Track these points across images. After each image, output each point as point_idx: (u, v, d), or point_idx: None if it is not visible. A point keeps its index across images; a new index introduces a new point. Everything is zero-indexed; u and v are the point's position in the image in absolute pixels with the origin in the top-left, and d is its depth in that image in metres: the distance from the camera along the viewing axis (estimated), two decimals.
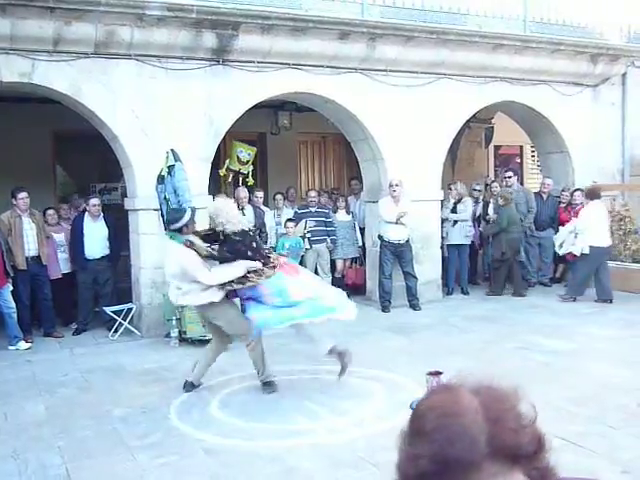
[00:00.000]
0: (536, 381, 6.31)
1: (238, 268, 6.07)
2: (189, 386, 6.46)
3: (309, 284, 6.38)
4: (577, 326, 8.66)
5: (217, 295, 6.16)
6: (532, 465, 1.02)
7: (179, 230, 6.32)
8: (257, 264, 6.09)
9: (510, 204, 10.75)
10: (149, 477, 4.65)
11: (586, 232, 10.11)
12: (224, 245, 6.23)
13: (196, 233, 6.38)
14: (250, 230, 6.49)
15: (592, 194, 10.45)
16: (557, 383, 6.22)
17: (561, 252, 10.60)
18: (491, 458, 0.98)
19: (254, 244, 6.25)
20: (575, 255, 10.37)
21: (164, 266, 6.76)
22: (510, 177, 11.46)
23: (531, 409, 1.07)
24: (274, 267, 6.15)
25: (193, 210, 6.60)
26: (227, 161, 11.00)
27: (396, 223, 9.77)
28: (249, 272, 6.06)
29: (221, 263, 6.22)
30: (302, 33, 9.17)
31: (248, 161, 11.16)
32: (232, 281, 6.07)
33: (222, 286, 6.13)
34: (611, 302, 10.03)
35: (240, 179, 11.11)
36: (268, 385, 6.38)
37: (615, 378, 6.38)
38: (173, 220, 6.46)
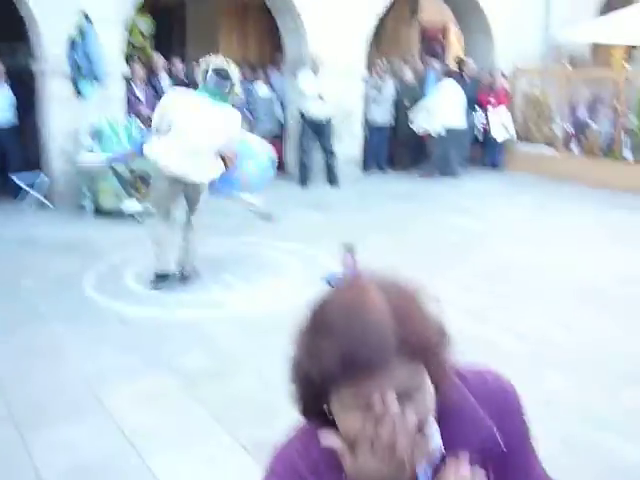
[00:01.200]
0: (447, 258, 6.56)
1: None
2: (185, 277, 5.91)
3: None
4: (489, 207, 8.93)
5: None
6: (437, 360, 1.03)
7: (226, 93, 5.57)
8: None
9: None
10: (64, 346, 4.65)
11: (440, 112, 10.32)
12: None
13: None
14: None
15: (449, 73, 10.62)
16: (466, 260, 6.47)
17: (414, 128, 10.79)
18: (399, 356, 0.97)
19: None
20: (430, 135, 10.66)
21: (203, 133, 5.50)
22: (431, 58, 11.41)
23: (435, 304, 1.05)
24: None
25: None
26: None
27: (317, 99, 9.62)
28: None
29: None
30: None
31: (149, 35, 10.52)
32: None
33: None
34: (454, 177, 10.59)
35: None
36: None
37: (519, 256, 6.67)
38: (226, 77, 5.54)
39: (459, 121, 10.67)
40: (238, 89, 5.66)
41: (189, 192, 5.73)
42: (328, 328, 1.00)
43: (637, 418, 3.72)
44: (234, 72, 5.61)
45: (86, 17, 8.08)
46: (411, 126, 10.78)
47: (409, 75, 11.07)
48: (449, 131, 10.58)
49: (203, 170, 5.62)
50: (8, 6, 8.60)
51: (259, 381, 4.08)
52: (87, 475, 3.21)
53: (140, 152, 6.23)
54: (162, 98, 5.95)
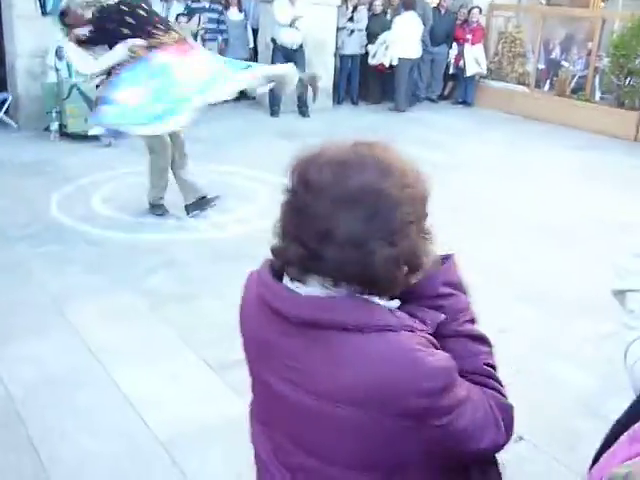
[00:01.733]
0: None
1: (118, 50, 5.28)
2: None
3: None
4: (459, 143, 8.98)
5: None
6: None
7: (63, 22, 5.56)
8: (139, 42, 5.25)
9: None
10: (30, 265, 4.66)
11: (396, 43, 10.35)
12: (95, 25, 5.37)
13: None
14: (124, 3, 5.38)
15: (407, 5, 10.58)
16: (433, 193, 6.53)
17: (373, 62, 10.79)
18: None
19: (129, 18, 5.33)
20: (385, 67, 10.67)
21: None
22: None
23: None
24: (159, 45, 5.31)
25: None
26: None
27: (290, 26, 9.46)
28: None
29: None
30: None
31: None
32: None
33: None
34: (403, 112, 10.62)
35: None
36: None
37: (487, 191, 6.77)
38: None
39: (413, 52, 10.65)
40: None
41: None
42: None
43: (588, 347, 3.88)
44: None
45: None
46: (370, 60, 10.72)
47: (378, 5, 10.92)
48: (401, 61, 10.59)
49: None
50: None
51: (223, 303, 4.14)
52: (54, 388, 3.28)
53: None
54: None
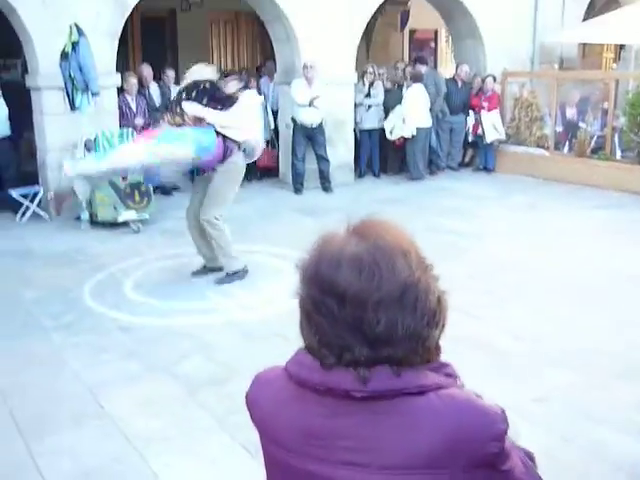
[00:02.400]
0: (440, 259, 6.61)
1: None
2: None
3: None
4: (481, 209, 9.02)
5: None
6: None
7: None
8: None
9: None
10: (65, 355, 4.72)
11: (412, 115, 10.54)
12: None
13: None
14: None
15: (415, 77, 10.84)
16: (460, 261, 6.54)
17: (393, 138, 10.93)
18: None
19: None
20: (405, 139, 10.81)
21: None
22: (417, 65, 11.55)
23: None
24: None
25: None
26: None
27: (309, 106, 9.72)
28: None
29: None
30: None
31: None
32: None
33: None
34: (420, 180, 10.82)
35: None
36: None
37: (513, 257, 6.76)
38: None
39: (425, 122, 10.87)
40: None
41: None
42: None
43: (632, 412, 3.80)
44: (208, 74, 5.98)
45: (78, 29, 8.13)
46: (389, 136, 10.90)
47: (390, 82, 11.25)
48: (416, 132, 10.79)
49: None
50: (3, 23, 8.69)
51: None
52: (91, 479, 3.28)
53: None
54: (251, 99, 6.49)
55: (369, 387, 1.12)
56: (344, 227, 1.21)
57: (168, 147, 5.51)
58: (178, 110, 5.77)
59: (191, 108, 5.74)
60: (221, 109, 5.83)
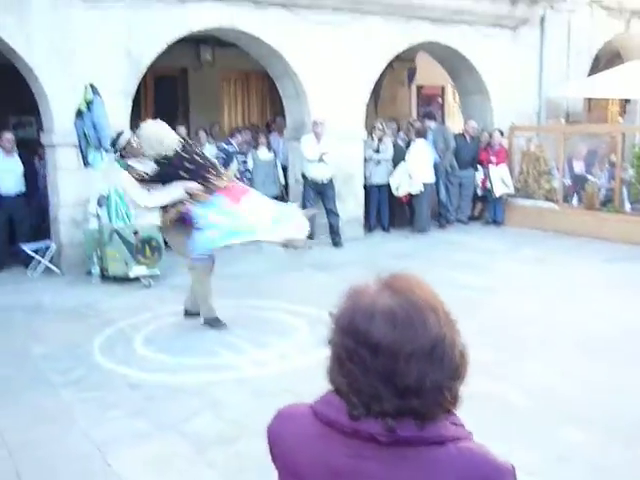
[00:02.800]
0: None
1: (175, 190, 6.04)
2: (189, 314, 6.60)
3: (260, 207, 6.30)
4: (492, 262, 9.01)
5: (159, 220, 6.28)
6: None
7: (121, 155, 6.28)
8: (195, 185, 6.03)
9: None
10: (74, 412, 4.68)
11: (418, 170, 10.68)
12: (156, 168, 6.12)
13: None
14: (184, 150, 6.17)
15: (419, 133, 11.04)
16: (471, 316, 6.49)
17: (399, 194, 11.01)
18: None
19: (188, 164, 6.08)
20: (411, 195, 10.93)
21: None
22: (425, 121, 11.74)
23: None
24: (215, 189, 6.09)
25: (120, 133, 6.47)
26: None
27: (318, 162, 9.82)
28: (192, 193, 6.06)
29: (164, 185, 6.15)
30: None
31: None
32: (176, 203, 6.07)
33: (165, 209, 6.13)
34: (426, 232, 10.93)
35: None
36: (212, 322, 6.41)
37: (524, 311, 6.72)
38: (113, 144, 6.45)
39: (429, 177, 11.01)
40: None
41: None
42: None
43: None
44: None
45: (93, 88, 8.30)
46: (395, 193, 10.98)
47: (390, 137, 11.43)
48: (427, 185, 10.98)
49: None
50: (19, 82, 8.88)
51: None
52: None
53: None
54: None
55: (395, 434, 1.17)
56: (374, 280, 1.26)
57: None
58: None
59: None
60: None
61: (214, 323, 6.37)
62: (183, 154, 6.11)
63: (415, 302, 1.20)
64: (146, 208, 6.26)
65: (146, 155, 6.08)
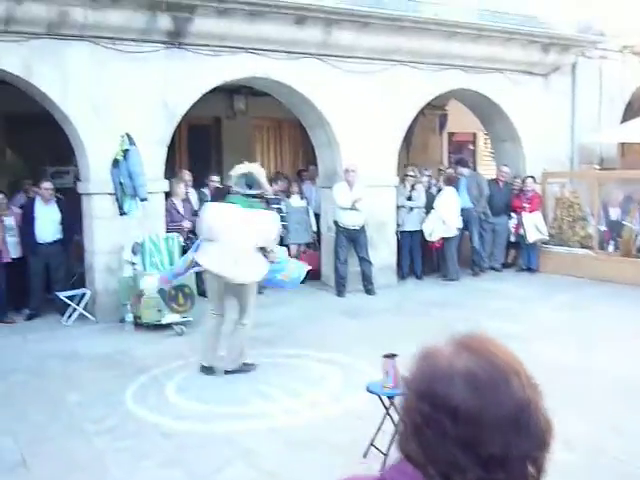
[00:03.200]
0: None
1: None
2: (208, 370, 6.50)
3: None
4: (527, 309, 8.89)
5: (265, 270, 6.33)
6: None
7: (254, 196, 6.34)
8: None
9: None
10: (106, 461, 4.65)
11: (451, 216, 10.75)
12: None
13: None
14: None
15: (449, 180, 11.15)
16: None
17: (433, 239, 10.99)
18: None
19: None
20: (443, 241, 10.95)
21: (239, 236, 6.17)
22: (457, 167, 11.76)
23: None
24: None
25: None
26: None
27: (351, 209, 9.84)
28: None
29: None
30: (258, 17, 9.14)
31: None
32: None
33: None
34: (456, 280, 10.90)
35: None
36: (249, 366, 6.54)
37: (561, 359, 6.58)
38: (250, 184, 6.38)
39: (459, 224, 11.11)
40: (267, 187, 6.57)
41: (237, 293, 6.37)
42: None
43: None
44: (259, 174, 6.42)
45: (129, 138, 8.48)
46: (429, 238, 10.96)
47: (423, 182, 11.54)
48: (458, 230, 11.09)
49: (247, 272, 6.21)
50: (56, 131, 9.11)
51: None
52: None
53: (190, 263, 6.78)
54: (204, 212, 6.58)
55: None
56: (447, 340, 1.18)
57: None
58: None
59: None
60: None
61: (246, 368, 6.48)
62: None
63: (497, 364, 1.13)
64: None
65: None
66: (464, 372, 1.10)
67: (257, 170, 6.47)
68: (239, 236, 6.13)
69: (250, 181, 6.35)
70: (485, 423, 1.07)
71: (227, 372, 6.41)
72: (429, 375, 1.12)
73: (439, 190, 11.39)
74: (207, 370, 6.43)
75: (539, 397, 1.14)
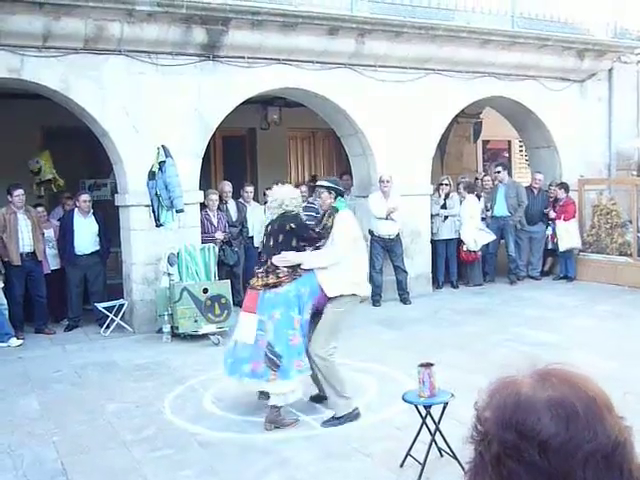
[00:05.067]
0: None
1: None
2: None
3: None
4: (565, 318, 8.77)
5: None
6: None
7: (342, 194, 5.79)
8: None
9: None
10: (144, 470, 4.69)
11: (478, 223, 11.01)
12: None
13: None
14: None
15: (470, 188, 11.27)
16: None
17: (477, 247, 10.95)
18: None
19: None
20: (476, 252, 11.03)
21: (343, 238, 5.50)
22: (499, 172, 11.58)
23: None
24: None
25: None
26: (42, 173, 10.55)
27: (386, 219, 9.83)
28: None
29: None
30: (292, 29, 9.20)
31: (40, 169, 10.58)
32: None
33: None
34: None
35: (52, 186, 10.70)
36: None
37: (600, 369, 6.46)
38: (336, 183, 5.84)
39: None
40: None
41: None
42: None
43: None
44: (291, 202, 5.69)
45: (165, 150, 8.58)
46: (472, 247, 10.92)
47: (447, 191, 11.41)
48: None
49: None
50: (94, 144, 9.27)
51: None
52: None
53: None
54: (348, 222, 5.66)
55: None
56: (525, 370, 1.10)
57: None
58: (270, 268, 5.43)
59: (282, 261, 5.40)
60: (316, 244, 5.59)
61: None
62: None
63: (590, 397, 1.03)
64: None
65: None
66: (554, 403, 1.01)
67: (285, 195, 5.69)
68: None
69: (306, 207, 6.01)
70: (578, 459, 0.98)
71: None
72: (513, 404, 1.03)
73: (478, 197, 11.38)
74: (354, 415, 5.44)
75: (631, 437, 1.04)
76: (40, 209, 9.44)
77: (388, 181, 9.87)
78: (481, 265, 11.35)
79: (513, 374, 1.09)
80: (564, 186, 11.49)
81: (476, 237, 10.85)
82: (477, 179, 12.46)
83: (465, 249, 10.94)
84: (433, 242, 11.05)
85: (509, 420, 1.01)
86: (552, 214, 11.42)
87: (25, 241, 8.63)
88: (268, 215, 6.04)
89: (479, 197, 11.52)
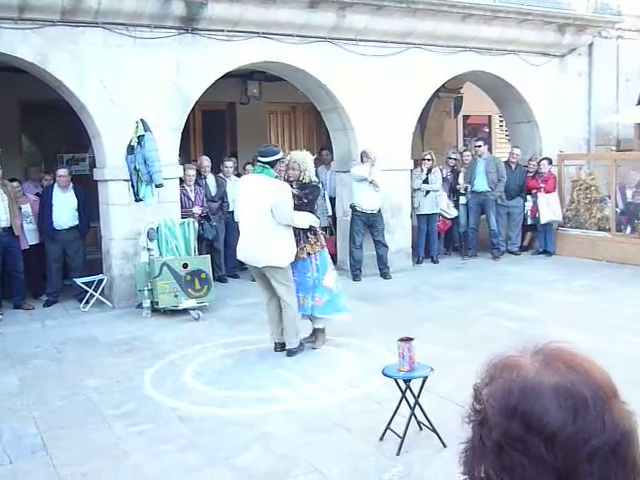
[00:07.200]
0: (503, 347, 6.46)
1: (307, 217, 6.38)
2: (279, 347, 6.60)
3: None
4: (544, 293, 8.85)
5: (290, 258, 6.30)
6: None
7: (271, 164, 6.30)
8: (317, 222, 6.58)
9: None
10: (125, 445, 4.70)
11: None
12: (304, 190, 6.47)
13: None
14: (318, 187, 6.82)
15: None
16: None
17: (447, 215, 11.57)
18: None
19: (316, 204, 6.81)
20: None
21: (248, 201, 6.33)
22: (480, 146, 11.60)
23: None
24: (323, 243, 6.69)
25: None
26: None
27: (370, 183, 9.77)
28: (309, 232, 6.42)
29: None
30: (271, 2, 9.09)
31: None
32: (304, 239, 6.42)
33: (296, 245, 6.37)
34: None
35: None
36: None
37: (581, 343, 6.52)
38: (267, 153, 6.36)
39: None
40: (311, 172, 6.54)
41: (266, 276, 6.34)
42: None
43: None
44: (302, 160, 6.52)
45: (144, 124, 8.48)
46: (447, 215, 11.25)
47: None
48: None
49: (265, 255, 6.17)
50: (71, 118, 9.15)
51: (317, 477, 4.05)
52: None
53: None
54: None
55: None
56: (524, 350, 1.06)
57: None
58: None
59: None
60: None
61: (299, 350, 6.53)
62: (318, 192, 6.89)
63: (597, 385, 0.99)
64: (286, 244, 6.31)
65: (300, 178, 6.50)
66: (564, 391, 0.97)
67: (298, 157, 6.55)
68: (249, 208, 6.26)
69: (266, 151, 6.42)
70: (585, 453, 0.94)
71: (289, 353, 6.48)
72: (518, 390, 0.98)
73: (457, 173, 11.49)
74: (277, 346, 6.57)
75: (635, 424, 1.00)
76: (15, 184, 9.32)
77: (372, 152, 9.81)
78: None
79: (514, 353, 1.05)
80: (548, 159, 11.54)
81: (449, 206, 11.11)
82: (460, 153, 12.47)
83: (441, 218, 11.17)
84: (414, 216, 11.10)
85: (514, 409, 0.97)
86: (542, 187, 11.45)
87: (2, 216, 8.53)
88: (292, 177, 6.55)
89: (459, 172, 11.55)
